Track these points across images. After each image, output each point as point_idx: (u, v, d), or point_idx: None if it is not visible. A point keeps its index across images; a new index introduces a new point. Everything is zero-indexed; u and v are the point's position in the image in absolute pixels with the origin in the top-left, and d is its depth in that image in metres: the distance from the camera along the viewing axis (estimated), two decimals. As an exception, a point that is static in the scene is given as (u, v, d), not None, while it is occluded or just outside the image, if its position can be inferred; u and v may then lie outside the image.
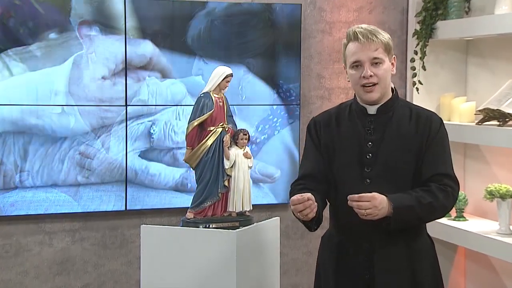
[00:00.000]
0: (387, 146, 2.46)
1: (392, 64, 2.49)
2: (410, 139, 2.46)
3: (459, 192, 2.54)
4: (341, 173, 2.50)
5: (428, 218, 2.47)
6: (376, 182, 2.44)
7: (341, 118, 2.55)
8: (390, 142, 2.46)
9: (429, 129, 2.46)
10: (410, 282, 2.47)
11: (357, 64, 2.44)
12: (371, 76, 2.42)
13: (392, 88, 2.53)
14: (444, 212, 2.49)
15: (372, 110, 2.50)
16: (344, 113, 2.56)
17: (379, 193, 2.36)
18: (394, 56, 2.51)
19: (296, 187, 2.57)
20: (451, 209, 2.54)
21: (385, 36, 2.46)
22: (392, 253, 2.45)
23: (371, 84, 2.43)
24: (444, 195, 2.42)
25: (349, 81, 2.52)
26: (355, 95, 2.55)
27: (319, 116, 2.64)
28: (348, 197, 2.36)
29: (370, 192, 2.38)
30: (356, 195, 2.34)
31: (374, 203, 2.33)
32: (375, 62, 2.43)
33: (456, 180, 2.48)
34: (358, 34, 2.42)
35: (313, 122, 2.62)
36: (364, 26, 2.46)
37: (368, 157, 2.46)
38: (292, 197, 2.39)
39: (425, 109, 2.58)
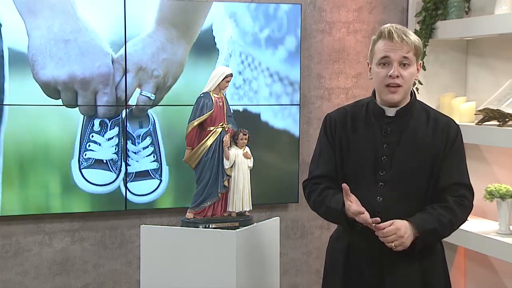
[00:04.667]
0: (403, 150, 2.43)
1: (417, 69, 2.46)
2: (426, 144, 2.43)
3: None
4: (354, 175, 2.47)
5: (448, 234, 2.45)
6: (389, 185, 2.42)
7: (358, 118, 2.51)
8: (406, 146, 2.43)
9: (446, 137, 2.44)
10: (420, 286, 2.45)
11: (385, 62, 2.40)
12: (397, 76, 2.38)
13: (411, 91, 2.49)
14: (461, 224, 2.47)
15: (390, 112, 2.46)
16: (360, 113, 2.51)
17: (398, 215, 2.35)
18: (420, 62, 2.48)
19: (314, 186, 2.53)
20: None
21: (417, 39, 2.43)
22: (401, 257, 2.41)
23: (395, 85, 2.39)
24: (461, 209, 2.42)
25: (371, 79, 2.47)
26: (373, 95, 2.51)
27: (334, 113, 2.58)
28: (376, 233, 2.34)
29: (382, 196, 2.39)
30: (381, 232, 2.32)
31: (399, 234, 2.31)
32: (404, 63, 2.39)
33: (471, 190, 2.48)
34: (393, 33, 2.38)
35: (328, 119, 2.56)
36: (398, 26, 2.42)
37: (383, 159, 2.43)
38: (361, 215, 2.35)
39: (443, 114, 2.55)
